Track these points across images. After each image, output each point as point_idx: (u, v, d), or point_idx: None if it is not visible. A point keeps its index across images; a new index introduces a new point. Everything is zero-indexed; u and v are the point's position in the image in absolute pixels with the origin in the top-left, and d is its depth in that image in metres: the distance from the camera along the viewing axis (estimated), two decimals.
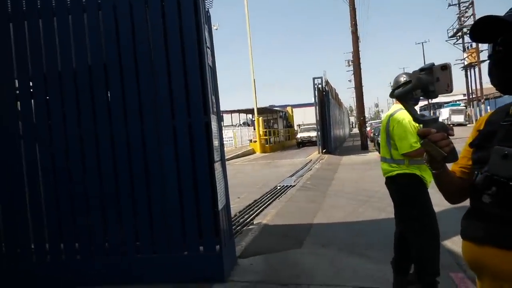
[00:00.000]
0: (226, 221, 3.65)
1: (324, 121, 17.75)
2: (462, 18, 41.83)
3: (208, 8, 3.83)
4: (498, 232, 0.99)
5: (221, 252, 3.31)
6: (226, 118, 32.12)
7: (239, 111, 29.24)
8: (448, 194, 1.23)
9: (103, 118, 3.41)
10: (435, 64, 1.06)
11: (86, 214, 3.44)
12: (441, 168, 1.13)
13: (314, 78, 17.20)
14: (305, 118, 40.24)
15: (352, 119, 74.33)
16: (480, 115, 40.63)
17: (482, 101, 40.84)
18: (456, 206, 4.61)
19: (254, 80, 21.29)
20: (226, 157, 15.92)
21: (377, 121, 55.73)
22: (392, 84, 3.07)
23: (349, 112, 71.63)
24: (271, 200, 7.08)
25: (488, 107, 40.95)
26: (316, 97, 17.08)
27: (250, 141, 24.63)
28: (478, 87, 40.67)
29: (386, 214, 5.54)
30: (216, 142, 3.52)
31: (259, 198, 7.31)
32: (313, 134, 21.07)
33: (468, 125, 40.28)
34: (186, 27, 3.31)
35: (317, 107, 17.25)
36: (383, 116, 3.12)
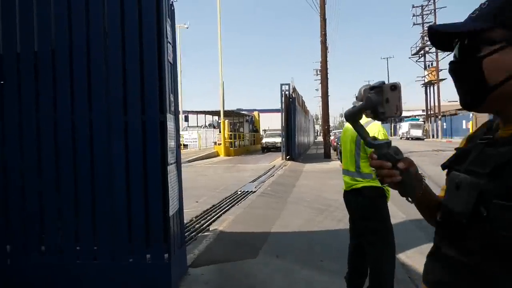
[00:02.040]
0: (178, 228, 3.44)
1: (289, 128, 17.84)
2: (425, 38, 43.93)
3: (172, 1, 3.63)
4: (453, 280, 0.80)
5: (170, 261, 3.09)
6: (192, 119, 31.61)
7: (206, 112, 28.86)
8: (428, 218, 1.05)
9: (47, 107, 3.12)
10: (386, 82, 0.94)
11: (20, 213, 3.12)
12: (411, 197, 0.94)
13: (281, 85, 17.28)
14: (271, 124, 40.41)
15: (317, 127, 75.76)
16: (437, 131, 42.80)
17: (439, 117, 42.94)
18: (411, 218, 4.66)
19: (222, 82, 21.10)
20: (189, 159, 15.53)
21: (341, 130, 57.11)
22: (357, 97, 3.00)
23: (314, 120, 72.96)
24: (230, 206, 6.90)
25: (444, 124, 43.21)
26: (283, 103, 17.14)
27: (215, 143, 24.32)
28: (436, 104, 42.71)
29: (344, 224, 5.53)
30: (172, 143, 3.32)
31: (218, 203, 7.11)
32: (278, 140, 21.16)
33: (425, 139, 42.22)
34: (146, 19, 3.09)
35: (283, 113, 17.30)
36: (348, 126, 3.01)
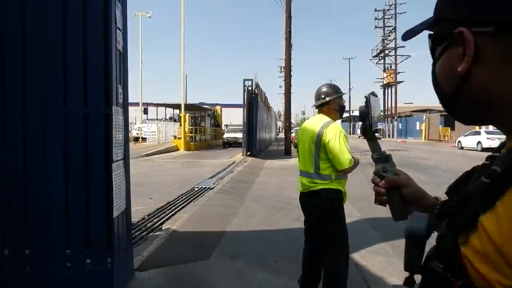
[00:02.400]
0: (124, 229, 3.20)
1: (250, 124, 17.74)
2: (385, 41, 45.53)
3: None
4: None
5: (113, 266, 2.86)
6: (152, 112, 30.68)
7: (166, 105, 28.08)
8: None
9: None
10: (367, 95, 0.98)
11: None
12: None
13: (244, 80, 17.12)
14: (233, 119, 40.23)
15: (279, 124, 76.49)
16: (393, 131, 44.63)
17: (395, 118, 44.72)
18: (366, 217, 4.67)
19: (184, 74, 20.58)
20: (147, 153, 14.96)
21: None
22: (326, 93, 2.90)
23: (277, 117, 73.59)
24: (186, 203, 6.68)
25: (400, 124, 45.11)
26: (245, 99, 17.00)
27: (175, 137, 23.76)
28: (393, 105, 44.43)
29: (300, 223, 5.47)
30: (120, 138, 3.07)
31: (173, 200, 6.86)
32: (240, 135, 21.03)
33: (381, 139, 43.88)
34: (91, 1, 2.82)
35: (245, 108, 17.17)
36: (306, 125, 2.92)
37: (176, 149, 21.20)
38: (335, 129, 2.65)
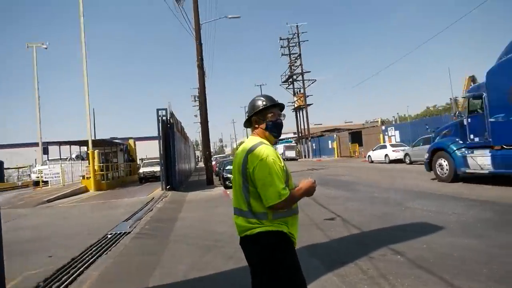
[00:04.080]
0: None
1: (168, 155, 16.65)
2: (292, 67, 48.12)
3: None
4: None
5: None
6: (54, 151, 27.40)
7: (70, 143, 25.32)
8: None
9: None
10: None
11: None
12: None
13: (158, 110, 16.10)
14: (150, 152, 38.15)
15: (198, 153, 75.16)
16: (308, 151, 46.61)
17: (309, 139, 46.88)
18: (303, 245, 4.10)
19: (88, 106, 18.71)
20: (48, 198, 12.86)
21: (222, 155, 57.64)
22: (248, 109, 2.37)
23: (195, 146, 72.24)
24: (96, 256, 5.54)
25: (314, 144, 47.38)
26: (160, 130, 15.94)
27: (83, 177, 21.35)
28: (306, 126, 46.62)
29: (235, 262, 4.83)
30: None
31: (79, 255, 5.65)
32: (157, 168, 19.67)
33: (298, 159, 45.45)
34: None
35: (160, 140, 16.08)
36: (238, 150, 2.33)
37: (85, 190, 18.97)
38: (260, 154, 2.08)
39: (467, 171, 10.83)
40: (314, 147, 47.39)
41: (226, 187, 16.33)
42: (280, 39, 48.65)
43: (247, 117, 2.36)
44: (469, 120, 10.86)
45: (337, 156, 40.50)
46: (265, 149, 2.11)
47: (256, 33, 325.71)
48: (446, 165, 11.69)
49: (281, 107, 2.38)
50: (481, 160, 10.25)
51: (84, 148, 26.69)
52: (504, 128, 9.38)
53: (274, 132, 2.32)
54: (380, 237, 5.69)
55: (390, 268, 4.22)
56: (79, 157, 29.10)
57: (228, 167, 18.43)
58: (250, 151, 2.13)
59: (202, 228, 7.43)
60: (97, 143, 23.03)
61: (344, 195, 10.31)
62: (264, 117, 2.30)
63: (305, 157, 46.95)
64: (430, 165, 12.45)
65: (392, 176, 15.21)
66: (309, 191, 2.19)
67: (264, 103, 2.30)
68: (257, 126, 2.32)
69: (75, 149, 29.42)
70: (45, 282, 4.43)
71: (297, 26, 46.82)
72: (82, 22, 18.54)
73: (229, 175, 16.65)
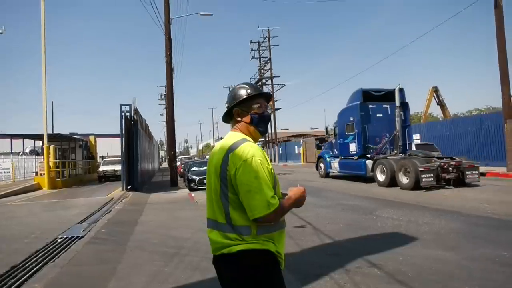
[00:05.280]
0: None
1: (130, 153, 15.81)
2: (262, 71, 48.03)
3: None
4: None
5: None
6: (4, 144, 25.45)
7: (24, 136, 23.61)
8: None
9: None
10: None
11: None
12: None
13: (121, 105, 15.22)
14: (110, 150, 36.51)
15: (162, 153, 73.32)
16: (274, 156, 46.62)
17: (276, 143, 46.92)
18: None
19: (46, 97, 17.44)
20: None
21: (187, 156, 56.28)
22: (229, 99, 1.96)
23: (159, 146, 70.39)
24: (41, 264, 4.89)
25: (280, 149, 47.48)
26: (123, 126, 15.09)
27: (36, 173, 19.90)
28: (273, 131, 46.63)
29: (201, 273, 4.39)
30: None
31: (21, 262, 4.97)
32: (119, 167, 18.69)
33: None
34: None
35: (123, 137, 15.22)
36: (214, 149, 1.91)
37: (38, 188, 17.68)
38: (244, 153, 1.68)
39: (331, 170, 18.45)
40: (280, 152, 47.49)
41: (191, 189, 15.74)
42: (251, 42, 48.39)
43: (227, 109, 1.94)
44: (333, 141, 18.26)
45: (303, 162, 40.70)
46: (250, 148, 1.71)
47: (226, 35, 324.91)
48: (323, 166, 19.25)
49: (267, 97, 1.99)
50: (335, 165, 17.73)
51: (39, 143, 25.01)
52: (343, 147, 16.67)
53: (260, 126, 1.91)
54: (354, 247, 5.46)
55: (368, 282, 3.95)
56: (33, 152, 27.25)
57: (194, 168, 17.81)
58: (232, 149, 1.72)
59: (164, 234, 6.89)
60: (54, 138, 21.61)
61: (313, 201, 10.10)
62: (249, 109, 1.89)
63: (271, 161, 46.90)
64: (317, 166, 20.33)
65: (359, 186, 15.27)
66: (299, 201, 1.81)
67: (249, 91, 1.89)
68: (239, 119, 1.90)
69: (30, 144, 27.54)
70: None
71: (268, 30, 46.80)
72: (43, 6, 17.32)
73: (194, 177, 16.06)
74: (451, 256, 4.76)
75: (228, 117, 1.97)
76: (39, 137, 21.40)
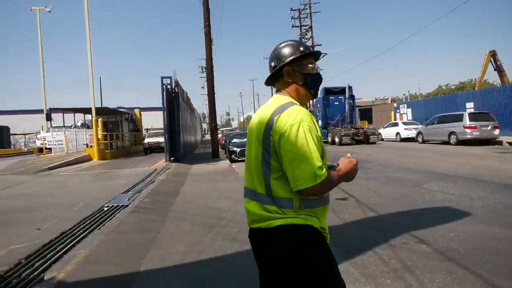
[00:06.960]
0: None
1: (173, 126, 16.10)
2: (303, 39, 46.53)
3: None
4: None
5: None
6: (57, 118, 26.99)
7: (75, 110, 24.83)
8: None
9: None
10: None
11: None
12: None
13: (162, 78, 15.37)
14: (155, 123, 37.67)
15: (205, 126, 74.70)
16: None
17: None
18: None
19: (92, 71, 18.06)
20: (50, 165, 12.47)
21: (229, 128, 56.79)
22: (275, 57, 1.69)
23: (201, 118, 71.63)
24: (87, 231, 5.09)
25: None
26: (165, 99, 15.31)
27: (87, 145, 20.97)
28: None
29: (239, 244, 4.34)
30: None
31: (70, 229, 5.21)
32: (162, 139, 19.21)
33: None
34: None
35: (165, 110, 15.47)
36: (256, 115, 1.69)
37: (88, 159, 18.66)
38: (292, 117, 1.48)
39: None
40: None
41: (232, 160, 15.84)
42: (291, 9, 46.81)
43: (275, 68, 1.68)
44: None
45: None
46: (299, 111, 1.50)
47: (265, 2, 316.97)
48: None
49: (317, 57, 1.76)
50: None
51: (89, 116, 26.25)
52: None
53: (312, 89, 1.70)
54: (400, 222, 5.16)
55: (415, 259, 3.70)
56: (84, 125, 28.72)
57: (235, 140, 17.88)
58: (278, 113, 1.52)
59: (204, 204, 6.95)
60: (101, 111, 22.54)
61: (357, 174, 9.74)
62: (301, 68, 1.66)
63: None
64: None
65: (406, 155, 14.58)
66: (350, 175, 1.62)
67: (301, 48, 1.65)
68: (290, 80, 1.67)
69: (81, 117, 29.01)
70: (27, 260, 3.98)
71: None
72: None
73: (235, 149, 16.11)
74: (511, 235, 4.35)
75: (274, 79, 1.75)
76: (88, 110, 22.39)
